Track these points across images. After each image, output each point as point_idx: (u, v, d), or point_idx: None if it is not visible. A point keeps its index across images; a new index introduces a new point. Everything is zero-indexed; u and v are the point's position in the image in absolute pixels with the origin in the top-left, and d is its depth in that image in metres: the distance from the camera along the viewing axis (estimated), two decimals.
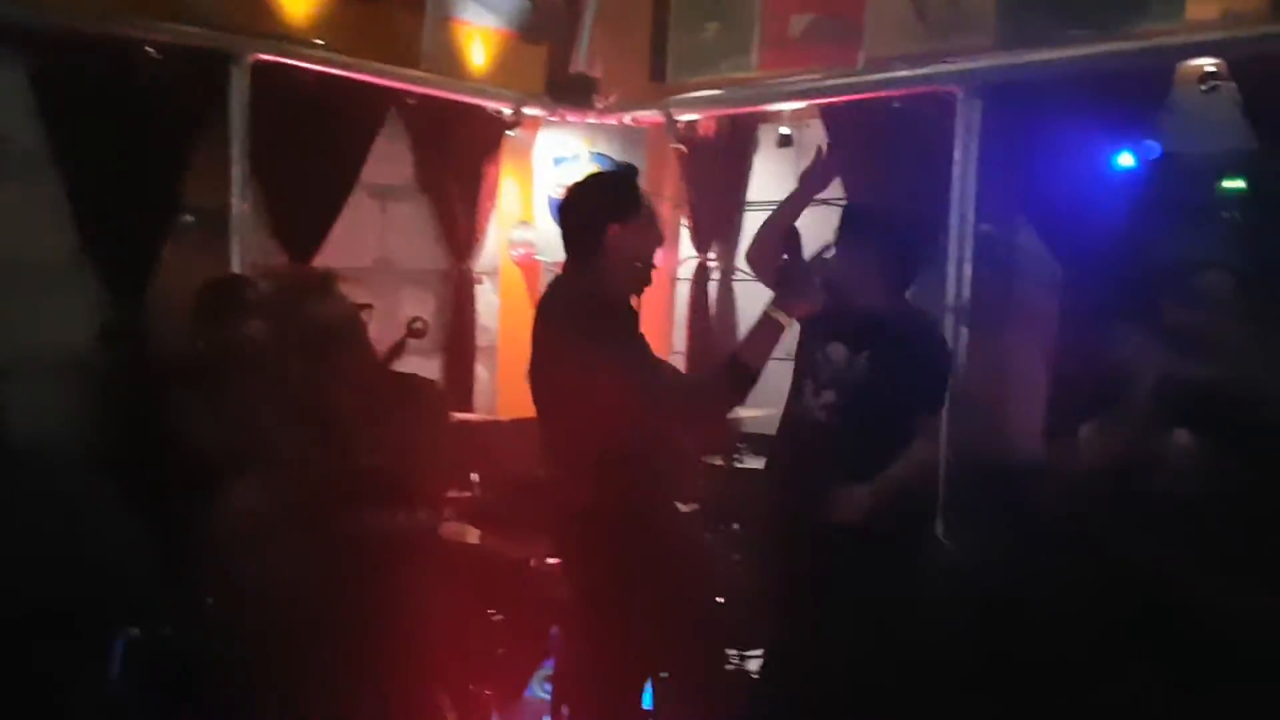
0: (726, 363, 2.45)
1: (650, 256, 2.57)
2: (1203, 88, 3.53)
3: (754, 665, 3.85)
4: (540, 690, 3.49)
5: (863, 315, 2.96)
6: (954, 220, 4.04)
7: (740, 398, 2.48)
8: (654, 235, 2.58)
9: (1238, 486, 2.76)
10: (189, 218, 3.91)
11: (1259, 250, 3.41)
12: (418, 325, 2.67)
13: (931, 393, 2.98)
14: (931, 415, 2.96)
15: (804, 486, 2.89)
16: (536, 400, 2.62)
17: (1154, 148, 3.61)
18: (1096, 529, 2.79)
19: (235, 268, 3.93)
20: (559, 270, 2.65)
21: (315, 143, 4.22)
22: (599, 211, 2.48)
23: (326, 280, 2.92)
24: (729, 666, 3.78)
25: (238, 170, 3.97)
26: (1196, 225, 3.52)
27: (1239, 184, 3.44)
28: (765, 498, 3.22)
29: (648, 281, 2.58)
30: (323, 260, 4.24)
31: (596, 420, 2.39)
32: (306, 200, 4.25)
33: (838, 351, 2.95)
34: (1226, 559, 2.57)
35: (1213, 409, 2.71)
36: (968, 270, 4.06)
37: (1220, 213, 3.46)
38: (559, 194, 4.91)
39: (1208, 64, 3.51)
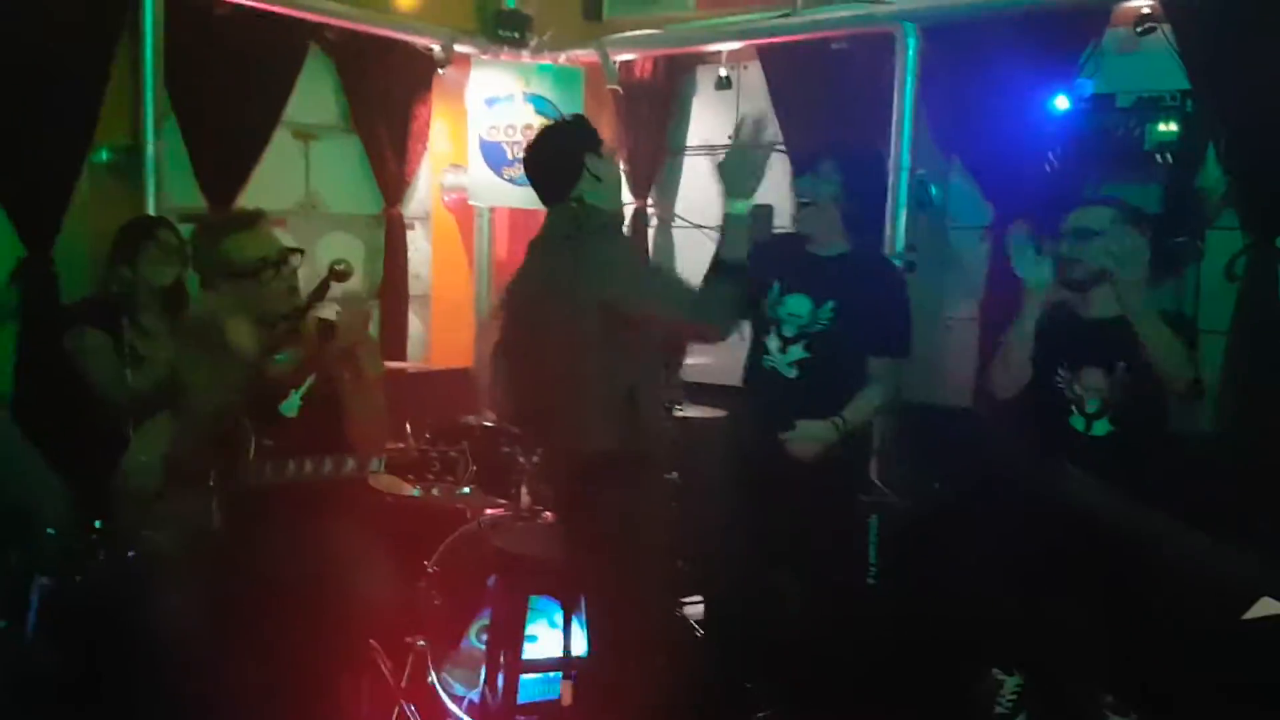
0: (712, 268, 2.54)
1: (619, 190, 2.70)
2: (1138, 30, 3.55)
3: (690, 612, 3.87)
4: (477, 640, 3.46)
5: (825, 265, 2.93)
6: (892, 163, 4.02)
7: (740, 296, 2.58)
8: (617, 170, 2.73)
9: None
10: (102, 156, 3.77)
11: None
12: (341, 267, 2.57)
13: (900, 334, 2.97)
14: (900, 356, 2.96)
15: (779, 443, 2.88)
16: (534, 341, 2.61)
17: (1088, 88, 3.62)
18: (1022, 471, 2.82)
19: (150, 209, 3.77)
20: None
21: (234, 79, 4.06)
22: (575, 143, 2.60)
23: (253, 219, 2.81)
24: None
25: (151, 108, 3.80)
26: (1128, 165, 3.54)
27: (1172, 126, 3.45)
28: (736, 452, 3.19)
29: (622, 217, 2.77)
30: (243, 203, 4.09)
31: (626, 334, 2.48)
32: (226, 140, 4.09)
33: (803, 304, 2.92)
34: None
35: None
36: (904, 215, 4.05)
37: (1154, 155, 3.48)
38: (492, 136, 4.88)
39: (1144, 5, 3.52)
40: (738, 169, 2.55)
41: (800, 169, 2.93)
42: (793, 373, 2.93)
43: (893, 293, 2.98)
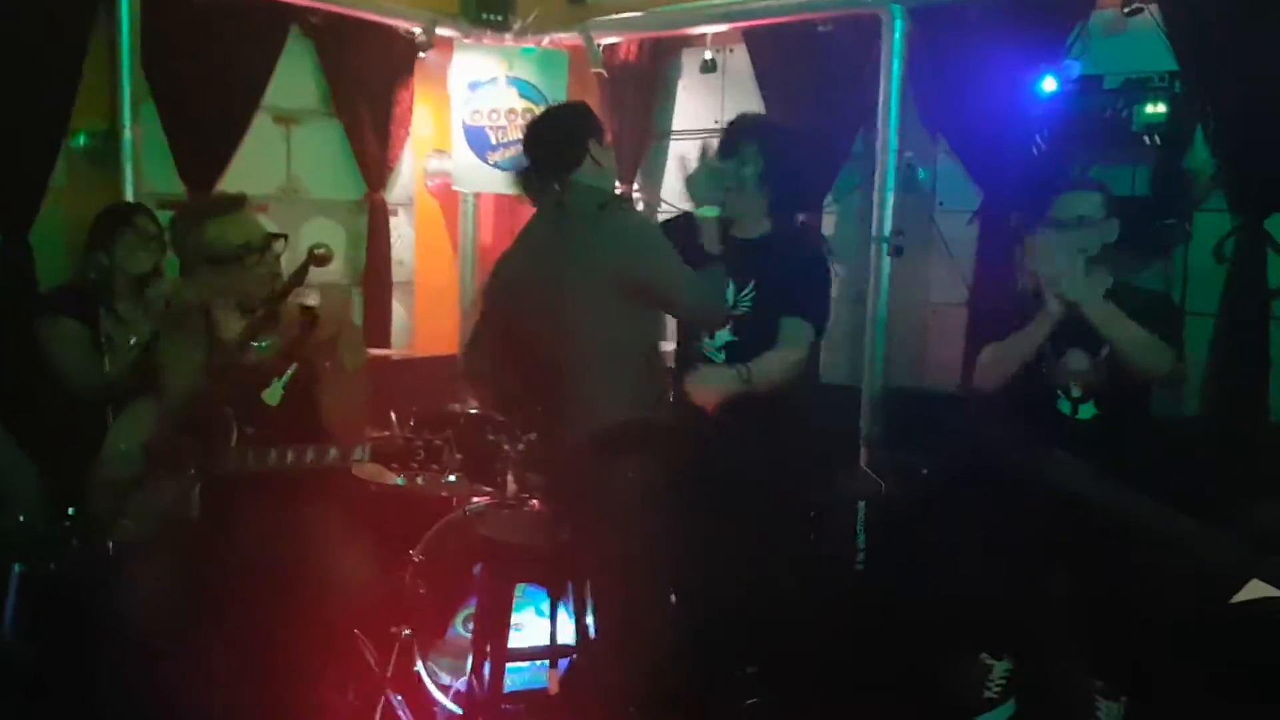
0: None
1: (614, 177, 2.83)
2: (1126, 10, 3.52)
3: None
4: (463, 629, 3.44)
5: (747, 247, 2.92)
6: (879, 146, 3.99)
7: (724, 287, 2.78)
8: (613, 159, 2.83)
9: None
10: (79, 142, 3.72)
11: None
12: (321, 251, 2.54)
13: (817, 300, 2.99)
14: (813, 320, 2.96)
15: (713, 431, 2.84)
16: (546, 316, 2.61)
17: (1076, 69, 3.60)
18: (1010, 457, 2.81)
19: (128, 195, 3.71)
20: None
21: (213, 62, 4.00)
22: (581, 128, 2.68)
23: (235, 205, 2.76)
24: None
25: (128, 93, 3.75)
26: (1116, 147, 3.52)
27: (1159, 107, 3.43)
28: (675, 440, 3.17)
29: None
30: (223, 188, 4.02)
31: (642, 303, 2.59)
32: (205, 124, 4.03)
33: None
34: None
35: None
36: (891, 198, 4.02)
37: (1142, 136, 3.47)
38: (475, 121, 4.83)
39: None
40: (697, 184, 2.79)
41: (721, 153, 2.94)
42: (721, 356, 2.96)
43: (811, 264, 3.03)
